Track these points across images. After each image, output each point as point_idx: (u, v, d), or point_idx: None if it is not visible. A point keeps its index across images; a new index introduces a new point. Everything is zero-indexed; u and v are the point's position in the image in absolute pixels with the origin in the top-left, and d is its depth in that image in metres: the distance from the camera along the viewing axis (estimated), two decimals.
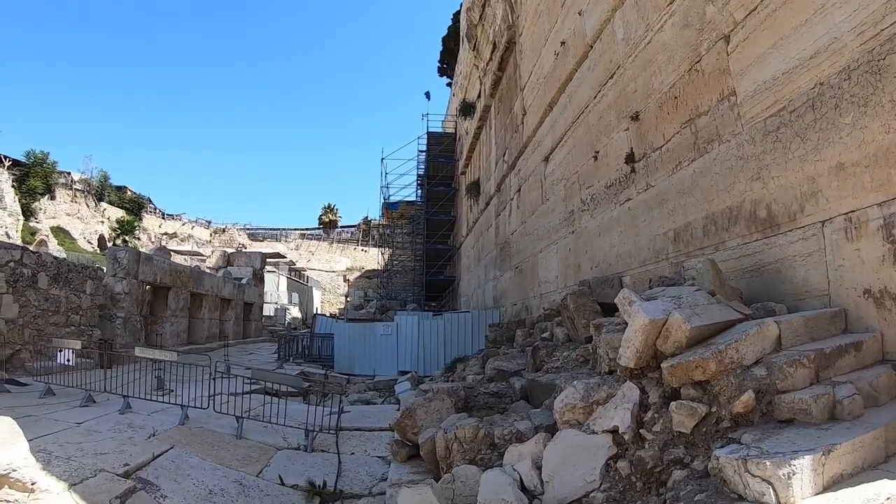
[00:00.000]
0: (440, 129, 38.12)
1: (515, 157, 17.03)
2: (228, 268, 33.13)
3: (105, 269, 18.50)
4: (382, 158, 39.81)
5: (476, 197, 26.04)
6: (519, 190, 16.54)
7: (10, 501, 4.30)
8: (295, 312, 45.09)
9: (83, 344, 14.98)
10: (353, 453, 8.53)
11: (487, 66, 21.89)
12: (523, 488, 4.13)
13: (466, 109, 28.47)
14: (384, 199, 40.92)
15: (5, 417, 4.56)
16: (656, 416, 3.87)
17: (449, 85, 41.90)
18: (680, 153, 7.17)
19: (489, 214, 22.54)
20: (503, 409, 7.17)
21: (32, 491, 4.45)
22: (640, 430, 3.90)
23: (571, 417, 4.37)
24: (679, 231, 7.20)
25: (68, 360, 11.34)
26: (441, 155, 35.83)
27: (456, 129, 35.23)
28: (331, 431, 8.95)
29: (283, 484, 7.06)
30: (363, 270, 62.11)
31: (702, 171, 6.64)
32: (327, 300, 57.30)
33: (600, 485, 3.78)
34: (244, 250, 45.43)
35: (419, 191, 38.88)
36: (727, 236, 6.16)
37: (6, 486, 4.26)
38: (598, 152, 10.02)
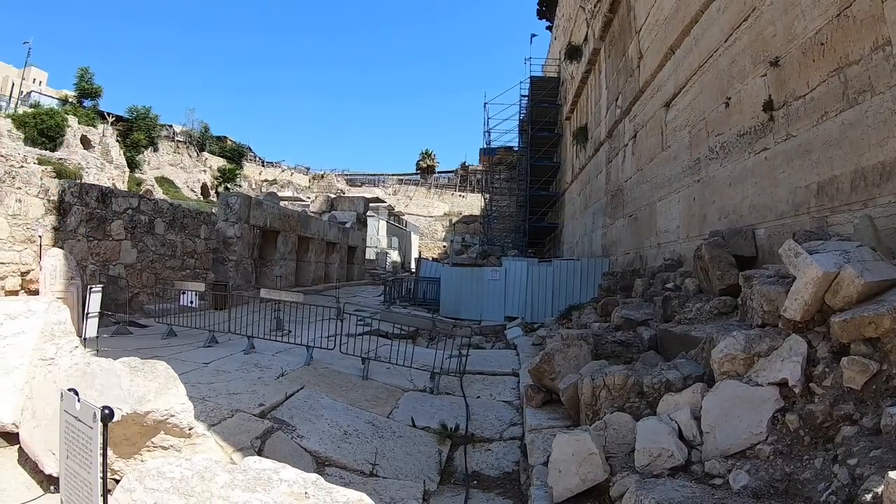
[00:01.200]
0: (541, 74, 37.52)
1: (630, 102, 16.70)
2: (332, 212, 33.94)
3: (217, 214, 19.30)
4: (485, 104, 39.73)
5: (583, 143, 25.65)
6: (634, 136, 16.25)
7: (166, 447, 4.35)
8: (394, 257, 45.78)
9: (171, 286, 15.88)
10: (478, 397, 8.63)
11: (596, 7, 21.33)
12: (681, 437, 4.17)
13: (572, 53, 27.74)
14: (486, 144, 40.75)
15: (160, 362, 4.63)
16: (826, 370, 3.85)
17: (549, 28, 40.96)
18: (826, 103, 6.95)
19: (598, 161, 22.19)
20: (630, 358, 7.24)
21: (189, 436, 4.47)
22: (809, 384, 3.89)
23: (731, 368, 4.37)
24: (823, 184, 7.01)
25: (191, 302, 11.95)
26: (544, 100, 35.27)
27: (560, 73, 34.54)
28: (454, 374, 9.12)
29: (414, 426, 7.17)
30: (461, 216, 62.45)
31: (851, 122, 6.42)
32: (425, 245, 57.88)
33: (766, 437, 3.81)
34: (347, 195, 46.27)
35: (520, 137, 38.54)
36: (878, 192, 5.91)
37: (162, 432, 4.30)
38: (729, 98, 9.76)
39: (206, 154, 61.47)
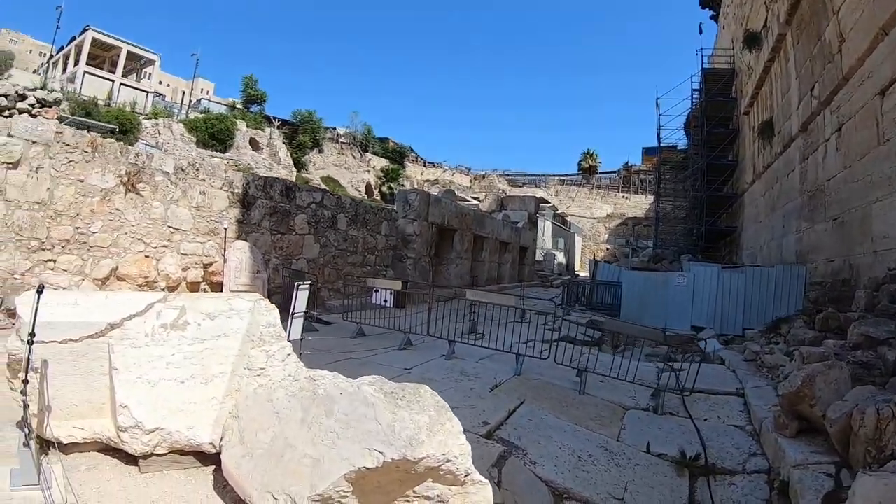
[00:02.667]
0: (707, 66, 35.48)
1: (831, 91, 15.32)
2: (503, 211, 33.82)
3: (396, 210, 19.42)
4: (657, 99, 38.18)
5: (768, 139, 23.95)
6: (839, 129, 14.90)
7: (430, 497, 3.61)
8: (560, 258, 45.20)
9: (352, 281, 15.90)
10: (705, 419, 7.74)
11: None
12: None
13: (750, 41, 25.81)
14: (657, 142, 39.32)
15: (423, 387, 3.89)
16: None
17: (713, 18, 38.88)
18: None
19: (789, 158, 20.60)
20: (872, 381, 6.35)
21: (462, 483, 3.62)
22: None
23: None
24: None
25: (385, 301, 11.84)
26: (717, 94, 33.24)
27: (733, 63, 32.61)
28: (674, 392, 8.27)
29: (649, 452, 6.58)
30: (623, 217, 60.98)
31: None
32: (587, 247, 56.91)
33: None
34: (516, 194, 46.16)
35: (687, 135, 36.85)
36: None
37: (430, 479, 3.56)
38: None
39: (369, 154, 63.06)
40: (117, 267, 10.87)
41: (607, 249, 55.46)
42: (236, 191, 13.20)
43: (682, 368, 9.00)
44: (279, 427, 3.88)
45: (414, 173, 69.15)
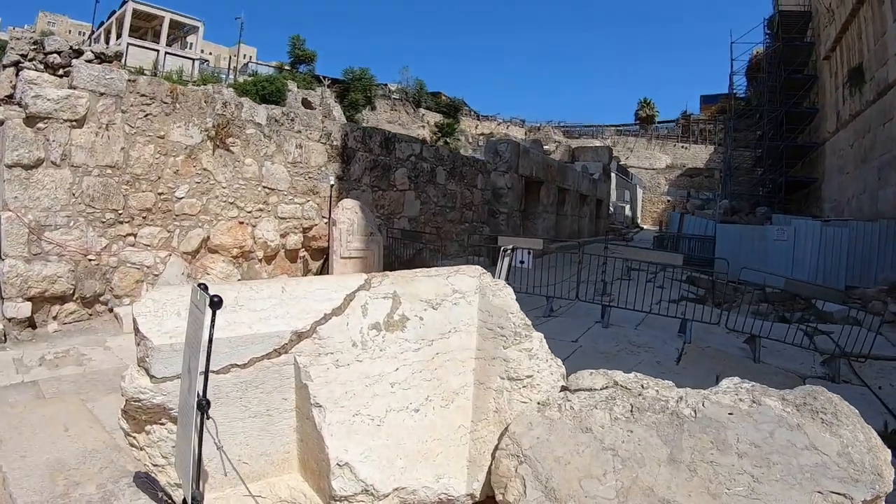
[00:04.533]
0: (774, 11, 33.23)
1: None
2: (576, 162, 32.20)
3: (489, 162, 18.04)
4: (731, 43, 36.06)
5: (858, 85, 22.22)
6: None
7: None
8: (627, 211, 43.50)
9: (475, 241, 14.78)
10: (879, 387, 6.97)
11: None
12: None
13: None
14: (730, 91, 37.29)
15: (822, 389, 2.82)
16: None
17: None
18: None
19: (886, 106, 18.96)
20: None
21: None
22: None
23: None
24: None
25: (522, 262, 10.28)
26: (794, 38, 30.84)
27: (809, 5, 30.31)
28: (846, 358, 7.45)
29: None
30: (684, 168, 58.71)
31: None
32: (648, 199, 54.92)
33: None
34: (589, 145, 44.49)
35: (750, 81, 34.72)
36: None
37: None
38: None
39: (422, 110, 61.41)
40: (208, 237, 9.47)
41: (668, 201, 53.47)
42: (335, 143, 11.71)
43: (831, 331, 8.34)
44: (625, 472, 2.61)
45: (468, 127, 67.29)
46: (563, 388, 3.25)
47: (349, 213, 10.56)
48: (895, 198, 18.08)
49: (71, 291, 7.81)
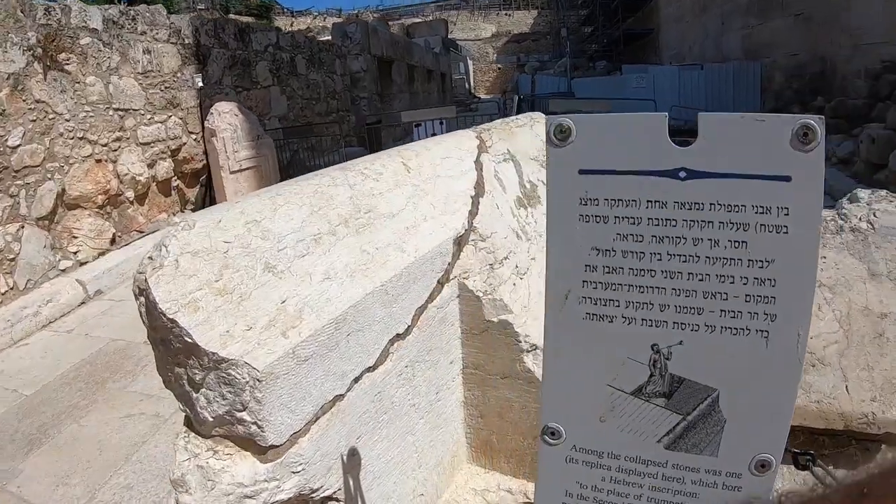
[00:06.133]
0: None
1: None
2: (416, 38, 30.56)
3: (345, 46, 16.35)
4: None
5: None
6: None
7: None
8: (464, 84, 42.44)
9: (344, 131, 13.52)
10: None
11: None
12: None
13: None
14: None
15: None
16: None
17: None
18: None
19: None
20: None
21: None
22: None
23: None
24: None
25: (433, 134, 8.86)
26: None
27: None
28: None
29: None
30: (510, 35, 58.18)
31: None
32: (479, 69, 54.22)
33: None
34: (424, 20, 42.69)
35: None
36: None
37: None
38: None
39: (231, 16, 57.19)
40: (63, 189, 7.17)
41: (498, 69, 53.18)
42: (187, 41, 9.54)
43: None
44: (837, 299, 2.42)
45: (284, 26, 63.36)
46: None
47: (228, 116, 8.83)
48: (740, 41, 19.06)
49: None
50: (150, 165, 8.63)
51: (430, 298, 1.67)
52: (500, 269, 1.84)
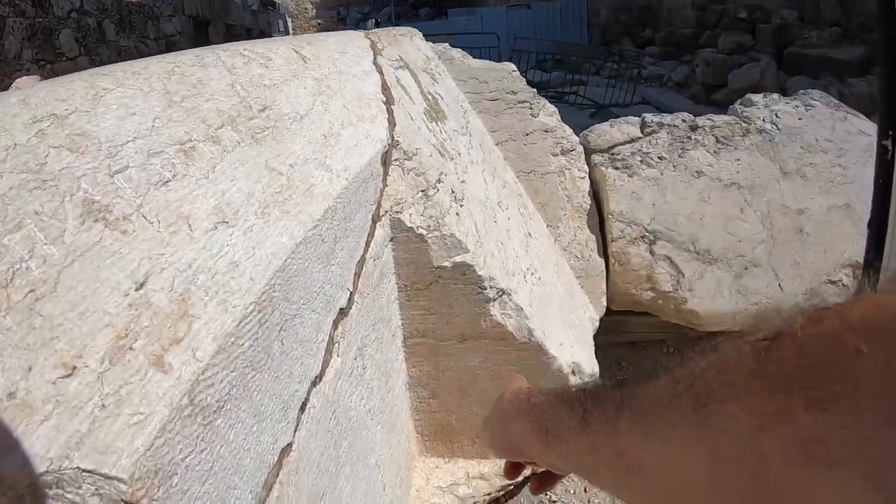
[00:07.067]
0: None
1: None
2: None
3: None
4: None
5: None
6: None
7: None
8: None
9: None
10: None
11: None
12: None
13: None
14: None
15: None
16: None
17: None
18: None
19: None
20: None
21: None
22: None
23: None
24: None
25: None
26: None
27: None
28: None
29: None
30: None
31: None
32: (299, 26, 52.50)
33: None
34: None
35: None
36: None
37: None
38: None
39: None
40: None
41: (319, 24, 51.76)
42: None
43: None
44: (756, 199, 2.62)
45: None
46: (609, 149, 2.68)
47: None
48: None
49: None
50: None
51: (367, 245, 1.14)
52: (437, 196, 1.39)
